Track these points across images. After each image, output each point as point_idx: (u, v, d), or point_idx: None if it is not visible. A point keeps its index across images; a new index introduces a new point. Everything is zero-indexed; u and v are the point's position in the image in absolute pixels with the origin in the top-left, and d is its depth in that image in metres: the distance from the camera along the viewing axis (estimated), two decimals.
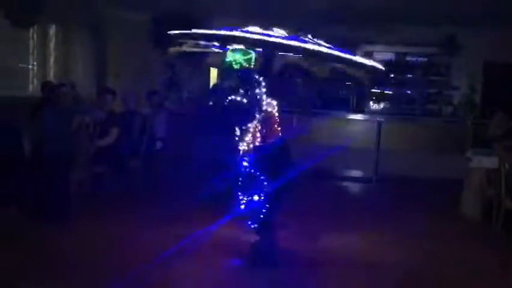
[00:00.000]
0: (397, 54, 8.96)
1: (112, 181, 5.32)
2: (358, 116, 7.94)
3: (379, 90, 9.07)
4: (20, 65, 7.91)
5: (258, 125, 3.54)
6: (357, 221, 5.08)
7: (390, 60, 8.84)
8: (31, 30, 7.62)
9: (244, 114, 3.45)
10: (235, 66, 3.48)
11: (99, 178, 5.13)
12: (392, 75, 8.89)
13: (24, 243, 3.86)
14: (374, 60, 3.97)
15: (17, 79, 7.84)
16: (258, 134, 3.56)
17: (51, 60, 7.81)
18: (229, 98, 3.36)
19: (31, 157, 4.52)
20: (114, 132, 5.26)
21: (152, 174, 6.02)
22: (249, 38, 3.30)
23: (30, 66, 7.98)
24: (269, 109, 3.56)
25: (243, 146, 3.58)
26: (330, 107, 8.23)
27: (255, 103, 3.42)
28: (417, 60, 8.96)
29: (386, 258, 4.03)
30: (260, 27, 3.51)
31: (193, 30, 3.58)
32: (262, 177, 3.50)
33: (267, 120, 3.56)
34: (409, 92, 9.15)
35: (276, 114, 3.62)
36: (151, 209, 4.95)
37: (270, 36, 3.38)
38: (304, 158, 5.11)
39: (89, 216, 4.53)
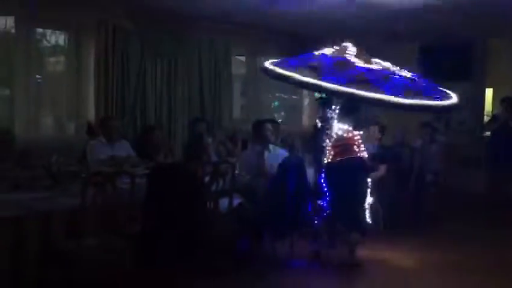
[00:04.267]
0: None
1: (380, 212, 5.39)
2: None
3: None
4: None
5: (331, 144, 4.28)
6: None
7: None
8: None
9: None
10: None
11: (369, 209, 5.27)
12: None
13: None
14: None
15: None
16: (332, 152, 4.26)
17: None
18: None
19: None
20: (383, 168, 5.38)
21: (418, 207, 5.87)
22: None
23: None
24: (339, 132, 4.23)
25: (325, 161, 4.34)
26: None
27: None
28: None
29: None
30: None
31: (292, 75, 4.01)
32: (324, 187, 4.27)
33: (338, 141, 4.23)
34: None
35: (350, 136, 4.23)
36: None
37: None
38: None
39: None
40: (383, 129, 5.80)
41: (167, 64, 6.31)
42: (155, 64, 6.19)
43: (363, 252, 4.42)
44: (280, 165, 4.36)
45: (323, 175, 4.30)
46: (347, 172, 4.19)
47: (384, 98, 3.74)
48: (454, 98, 4.08)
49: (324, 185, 4.27)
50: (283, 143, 5.48)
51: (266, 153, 4.70)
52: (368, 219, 4.43)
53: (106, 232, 3.36)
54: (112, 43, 5.71)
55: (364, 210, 4.38)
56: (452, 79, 7.45)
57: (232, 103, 7.25)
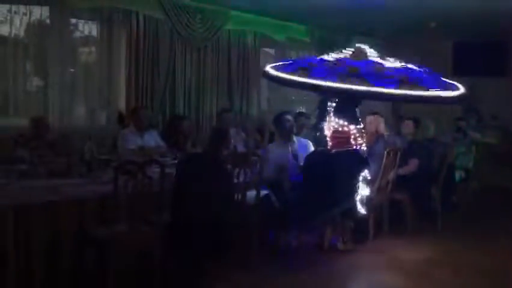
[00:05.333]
0: None
1: (409, 207, 5.32)
2: None
3: None
4: None
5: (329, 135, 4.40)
6: None
7: None
8: None
9: None
10: None
11: (398, 205, 5.23)
12: None
13: None
14: None
15: None
16: (330, 143, 4.41)
17: None
18: None
19: None
20: (414, 163, 5.30)
21: (449, 201, 5.75)
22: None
23: None
24: (334, 125, 4.34)
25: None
26: None
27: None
28: None
29: None
30: None
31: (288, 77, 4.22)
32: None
33: (332, 132, 4.35)
34: None
35: (346, 130, 4.30)
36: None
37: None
38: None
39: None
40: (417, 123, 5.72)
41: (197, 55, 6.36)
42: (185, 54, 6.24)
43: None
44: (305, 158, 4.36)
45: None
46: (343, 162, 4.23)
47: (372, 90, 3.79)
48: (460, 89, 4.06)
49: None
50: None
51: (290, 145, 4.70)
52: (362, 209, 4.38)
53: (136, 220, 3.42)
54: (143, 33, 5.78)
55: (356, 200, 4.35)
56: (486, 74, 7.32)
57: (260, 95, 7.25)
